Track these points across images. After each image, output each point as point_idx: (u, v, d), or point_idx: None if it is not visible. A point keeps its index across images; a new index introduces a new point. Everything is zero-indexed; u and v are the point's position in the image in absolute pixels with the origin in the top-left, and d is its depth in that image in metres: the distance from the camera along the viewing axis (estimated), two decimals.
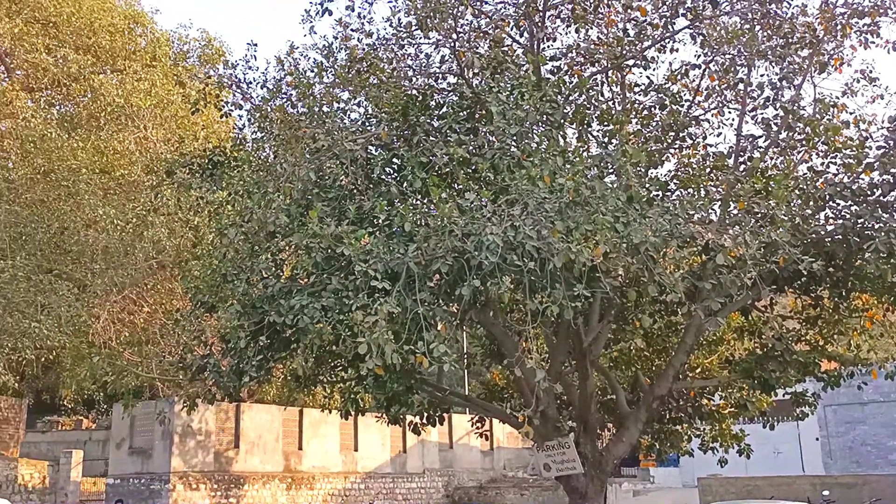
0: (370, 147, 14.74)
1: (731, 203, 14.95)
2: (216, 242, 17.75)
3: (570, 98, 15.05)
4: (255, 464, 25.41)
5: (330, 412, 19.39)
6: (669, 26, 15.95)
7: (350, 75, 15.65)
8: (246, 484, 24.85)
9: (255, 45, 17.75)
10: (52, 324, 25.91)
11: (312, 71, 16.41)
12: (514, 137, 13.40)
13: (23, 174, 28.37)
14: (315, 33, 20.59)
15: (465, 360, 20.99)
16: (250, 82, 17.73)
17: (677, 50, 16.39)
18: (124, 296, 26.73)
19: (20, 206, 27.61)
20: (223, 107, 18.71)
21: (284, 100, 16.74)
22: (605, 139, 15.37)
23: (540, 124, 14.13)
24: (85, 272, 26.60)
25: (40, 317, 25.94)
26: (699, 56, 16.40)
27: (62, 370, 27.80)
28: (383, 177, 14.56)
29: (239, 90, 17.92)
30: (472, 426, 20.17)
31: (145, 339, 24.80)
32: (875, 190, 13.96)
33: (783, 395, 18.11)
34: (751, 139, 16.07)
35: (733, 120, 16.54)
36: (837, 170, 15.05)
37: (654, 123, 16.28)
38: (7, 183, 29.10)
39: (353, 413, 17.29)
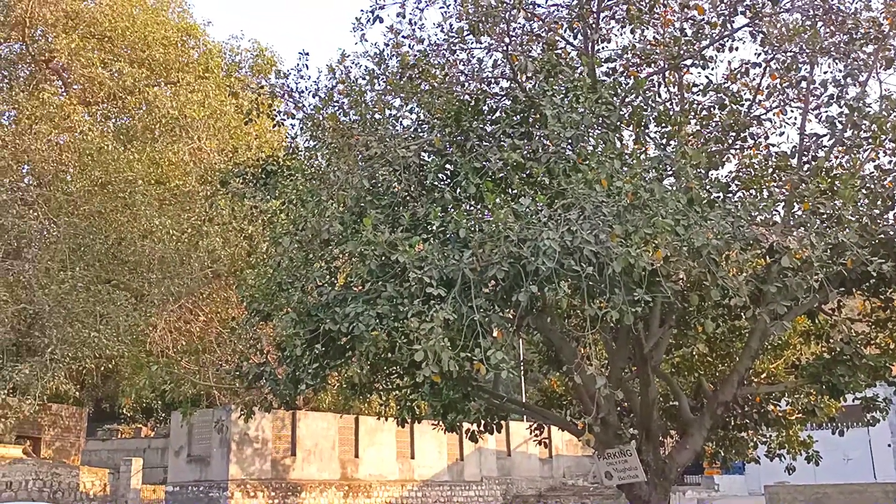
0: (423, 153, 14.61)
1: (795, 204, 14.56)
2: (271, 251, 17.79)
3: (627, 100, 14.78)
4: (311, 471, 25.40)
5: (386, 420, 19.28)
6: (728, 25, 15.58)
7: (402, 82, 15.58)
8: (303, 492, 24.85)
9: (307, 54, 17.87)
10: (111, 333, 26.25)
11: (364, 78, 16.39)
12: (570, 141, 13.19)
13: (81, 186, 28.83)
14: (366, 41, 20.66)
15: (523, 367, 20.74)
16: (302, 91, 17.77)
17: (736, 49, 15.98)
18: (181, 305, 26.98)
19: (79, 218, 28.06)
20: (276, 116, 18.80)
21: (336, 108, 16.72)
22: (664, 141, 15.06)
23: (596, 127, 13.88)
24: (142, 282, 26.91)
25: (99, 326, 26.31)
26: (759, 54, 16.00)
27: (121, 379, 28.19)
28: (437, 183, 14.42)
29: (291, 99, 17.96)
30: (530, 434, 19.91)
31: (202, 347, 24.99)
32: None
33: (853, 401, 17.55)
34: (815, 138, 15.65)
35: (796, 119, 16.14)
36: None
37: (713, 124, 15.93)
38: (66, 195, 29.60)
39: (409, 421, 17.18)
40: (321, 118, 16.87)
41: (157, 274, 26.11)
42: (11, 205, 29.06)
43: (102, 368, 29.80)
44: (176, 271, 26.05)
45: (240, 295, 20.99)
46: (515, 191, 13.33)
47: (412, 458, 28.86)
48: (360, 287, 14.21)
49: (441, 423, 17.16)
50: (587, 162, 12.62)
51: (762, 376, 19.37)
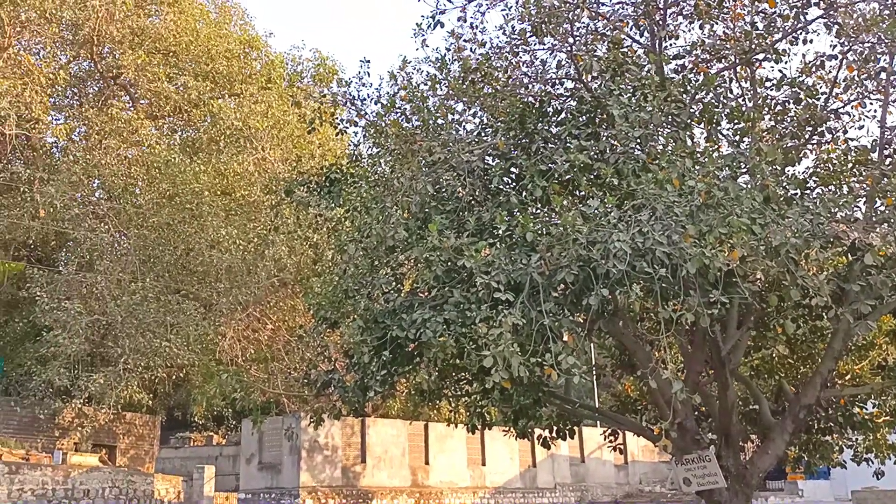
0: (487, 157, 14.44)
1: (877, 199, 14.01)
2: (336, 259, 17.82)
3: (697, 97, 14.39)
4: (382, 478, 25.36)
5: (456, 426, 19.16)
6: (801, 17, 15.05)
7: (464, 86, 15.41)
8: (374, 499, 24.82)
9: (368, 61, 17.75)
10: (181, 342, 26.66)
11: (426, 84, 16.26)
12: (639, 140, 12.88)
13: (149, 199, 29.37)
14: (427, 46, 20.56)
15: (595, 372, 20.38)
16: (364, 99, 17.72)
17: (811, 41, 15.47)
18: (248, 313, 27.27)
19: (148, 230, 28.59)
20: (338, 124, 18.79)
21: (399, 114, 16.63)
22: (737, 138, 14.60)
23: (665, 126, 13.55)
24: (210, 291, 27.27)
25: (170, 336, 26.73)
26: (835, 46, 15.41)
27: (192, 387, 28.59)
28: (502, 187, 14.21)
29: (353, 107, 17.92)
30: (604, 439, 19.50)
31: (270, 355, 25.21)
32: None
33: None
34: None
35: (876, 111, 15.52)
36: None
37: (788, 119, 15.41)
38: (135, 208, 30.19)
39: (479, 427, 17.00)
40: (384, 125, 16.81)
41: (224, 283, 26.43)
42: (83, 218, 29.76)
43: (174, 377, 30.27)
44: (243, 280, 26.35)
45: (306, 303, 21.07)
46: (583, 193, 13.09)
47: (483, 464, 28.59)
48: (427, 293, 14.08)
49: (512, 429, 16.95)
50: (657, 161, 12.31)
51: (846, 378, 18.69)
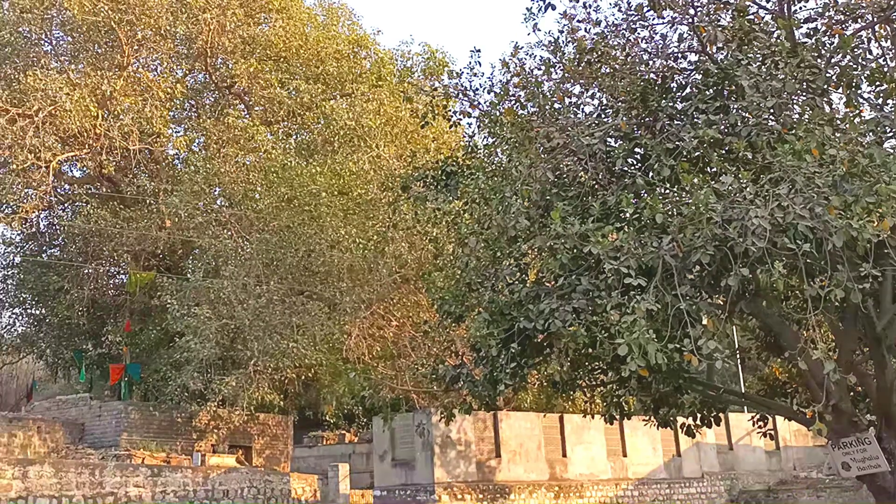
0: (609, 139, 14.01)
1: None
2: (457, 252, 17.67)
3: (833, 61, 13.58)
4: (518, 473, 25.10)
5: (592, 417, 18.76)
6: None
7: (580, 68, 15.03)
8: (511, 493, 24.61)
9: (479, 51, 17.58)
10: (308, 343, 27.11)
11: (540, 69, 15.94)
12: (772, 110, 12.28)
13: (268, 203, 29.97)
14: (539, 30, 20.17)
15: (739, 356, 19.57)
16: (476, 89, 17.53)
17: None
18: (372, 311, 27.51)
19: (269, 234, 29.19)
20: (451, 117, 18.70)
21: (513, 102, 16.36)
22: (879, 101, 13.74)
23: (800, 93, 12.87)
24: (333, 291, 27.63)
25: (297, 337, 27.22)
26: None
27: (321, 387, 29.08)
28: (626, 169, 13.78)
29: (466, 98, 17.76)
30: (753, 425, 18.69)
31: (396, 352, 25.38)
32: None
33: None
34: None
35: None
36: None
37: None
38: (256, 213, 30.88)
39: (617, 417, 16.59)
40: (498, 114, 16.59)
41: (347, 282, 26.73)
42: (207, 226, 30.64)
43: (303, 377, 30.85)
44: (365, 279, 26.58)
45: (430, 298, 21.05)
46: (714, 169, 12.54)
47: (624, 455, 27.93)
48: (553, 282, 13.80)
49: (653, 418, 16.49)
50: (794, 131, 11.70)
51: None
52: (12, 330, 40.27)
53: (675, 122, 13.14)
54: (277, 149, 31.85)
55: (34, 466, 24.00)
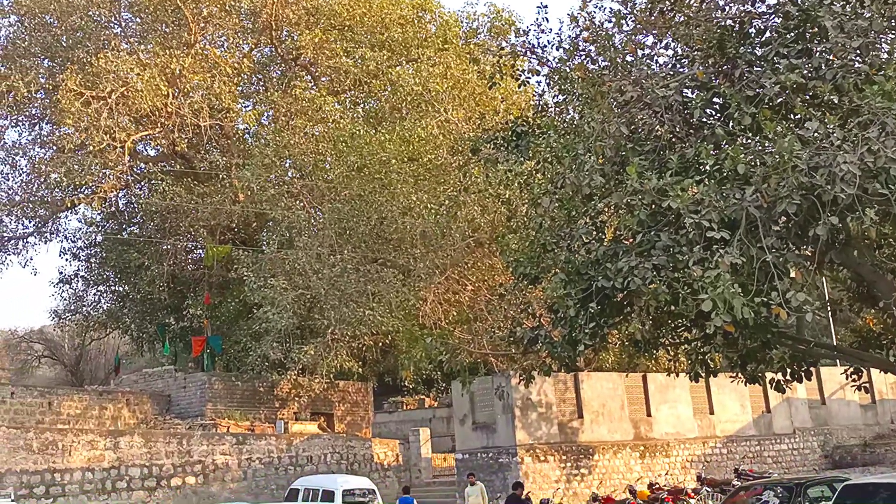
0: (685, 90, 13.55)
1: None
2: (530, 213, 17.46)
3: None
4: (602, 433, 24.93)
5: (677, 375, 18.39)
6: None
7: (653, 17, 14.57)
8: (595, 454, 24.46)
9: (545, 7, 17.19)
10: (384, 310, 27.24)
11: (610, 21, 15.51)
12: (858, 51, 11.75)
13: (339, 173, 30.08)
14: None
15: (830, 308, 18.91)
16: (545, 46, 17.19)
17: None
18: (447, 276, 27.45)
19: (341, 203, 29.31)
20: (520, 76, 18.38)
21: (583, 57, 16.01)
22: None
23: (888, 31, 12.24)
24: (407, 258, 27.66)
25: (372, 304, 27.37)
26: None
27: (399, 353, 29.23)
28: (705, 120, 13.36)
29: (534, 56, 17.45)
30: (846, 379, 18.11)
31: (473, 316, 25.31)
32: None
33: None
34: None
35: None
36: None
37: None
38: (326, 183, 31.04)
39: (703, 375, 16.24)
40: (568, 70, 16.24)
41: (420, 248, 26.71)
42: (279, 198, 30.94)
43: (381, 344, 31.07)
44: (438, 244, 26.51)
45: (504, 261, 20.87)
46: (798, 116, 12.04)
47: (711, 413, 27.48)
48: (631, 240, 13.50)
49: (740, 375, 16.12)
50: (882, 72, 11.20)
51: None
52: (98, 307, 41.50)
53: (755, 69, 12.64)
54: (345, 118, 31.89)
55: (125, 437, 24.76)
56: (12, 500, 18.63)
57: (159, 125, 33.69)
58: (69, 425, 27.59)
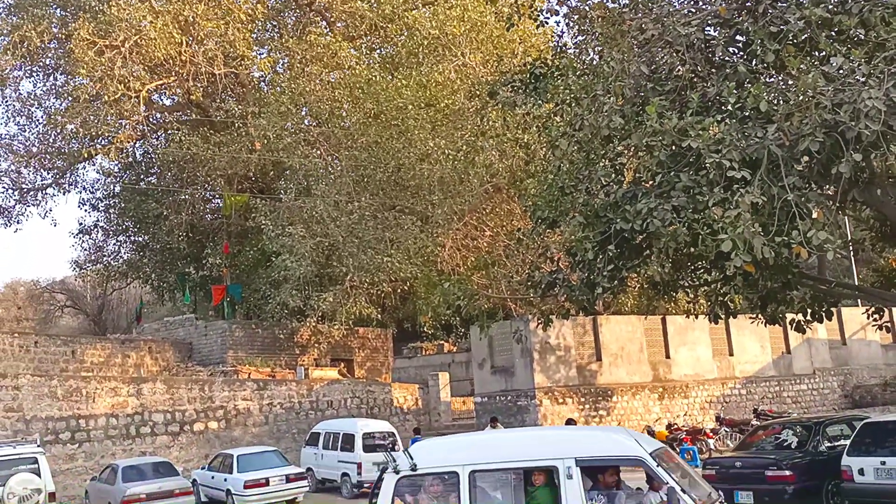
0: (707, 28, 13.30)
1: None
2: (549, 156, 17.30)
3: None
4: (620, 375, 25.02)
5: (696, 318, 18.34)
6: None
7: None
8: (614, 395, 24.59)
9: None
10: (402, 256, 27.26)
11: None
12: None
13: (356, 120, 29.91)
14: None
15: (852, 247, 18.67)
16: None
17: None
18: (465, 222, 27.37)
19: (358, 151, 29.19)
20: (538, 17, 18.11)
21: None
22: None
23: None
24: (425, 204, 27.56)
25: (390, 251, 27.39)
26: None
27: (417, 298, 29.32)
28: (727, 58, 13.09)
29: None
30: (867, 318, 18.01)
31: (491, 261, 25.23)
32: None
33: None
34: None
35: None
36: None
37: None
38: (343, 130, 30.87)
39: (722, 316, 16.18)
40: (587, 9, 15.95)
41: (438, 195, 26.59)
42: (296, 146, 30.83)
43: (399, 291, 31.15)
44: (456, 190, 26.38)
45: (522, 205, 20.81)
46: (823, 52, 11.79)
47: (730, 354, 27.48)
48: (651, 181, 13.36)
49: (760, 316, 16.05)
50: None
51: None
52: (118, 257, 41.84)
53: (779, 4, 12.36)
54: (361, 64, 31.59)
55: (147, 384, 25.10)
56: (38, 446, 18.89)
57: (174, 74, 33.53)
58: (93, 373, 27.95)
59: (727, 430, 23.91)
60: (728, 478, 13.95)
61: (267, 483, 20.44)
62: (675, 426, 24.27)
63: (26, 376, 23.24)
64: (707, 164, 11.32)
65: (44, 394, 22.80)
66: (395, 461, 7.97)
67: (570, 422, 17.13)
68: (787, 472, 13.21)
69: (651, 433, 23.65)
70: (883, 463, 12.19)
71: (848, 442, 13.13)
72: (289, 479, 20.84)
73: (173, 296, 42.00)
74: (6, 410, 22.05)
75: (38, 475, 17.95)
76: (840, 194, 11.51)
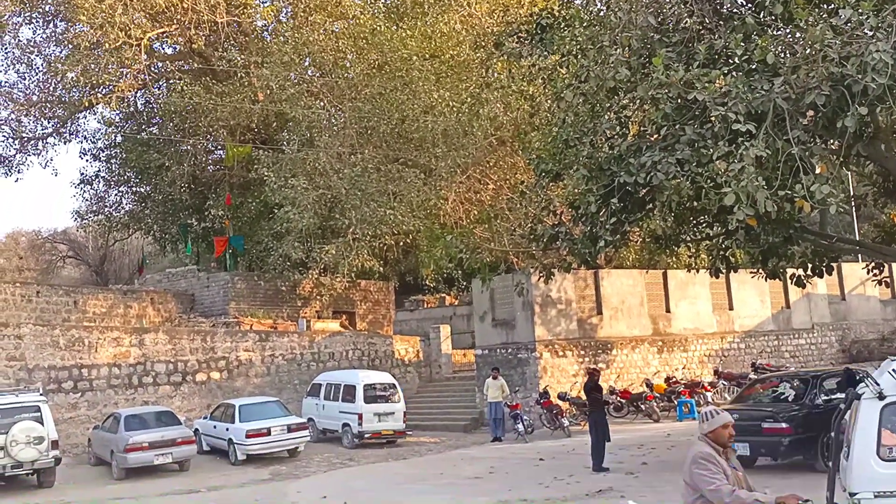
0: None
1: None
2: (554, 109, 17.23)
3: None
4: (620, 329, 25.11)
5: (697, 272, 18.38)
6: None
7: None
8: (613, 349, 24.73)
9: None
10: (405, 209, 27.25)
11: None
12: None
13: (360, 71, 29.69)
14: None
15: (854, 203, 18.61)
16: None
17: None
18: (468, 175, 27.33)
19: (361, 102, 29.02)
20: None
21: None
22: None
23: None
24: (428, 157, 27.49)
25: (393, 204, 27.38)
26: None
27: (419, 252, 29.33)
28: (735, 10, 12.99)
29: None
30: (867, 274, 18.03)
31: (493, 214, 25.22)
32: None
33: None
34: None
35: None
36: None
37: None
38: (347, 81, 30.66)
39: (723, 271, 16.23)
40: None
41: (441, 148, 26.50)
42: (299, 97, 30.61)
43: (402, 244, 31.17)
44: (460, 143, 26.29)
45: (526, 158, 20.72)
46: (832, 4, 11.68)
47: (730, 309, 27.56)
48: (656, 135, 13.33)
49: (761, 270, 16.08)
50: None
51: None
52: (120, 208, 41.75)
53: None
54: (366, 14, 31.25)
55: (150, 334, 25.25)
56: (41, 395, 19.09)
57: (175, 22, 33.21)
58: (95, 323, 28.09)
59: (725, 383, 24.11)
60: None
61: (268, 433, 20.69)
62: (674, 379, 24.45)
63: (28, 325, 23.37)
64: (712, 117, 11.29)
65: (46, 343, 22.95)
66: (876, 384, 6.57)
67: (592, 371, 17.18)
68: (784, 425, 13.34)
69: (650, 386, 23.87)
70: None
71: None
72: (290, 429, 21.09)
73: (175, 247, 42.02)
74: (9, 359, 22.20)
75: (41, 423, 18.20)
76: (844, 149, 11.48)
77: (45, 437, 18.03)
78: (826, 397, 13.91)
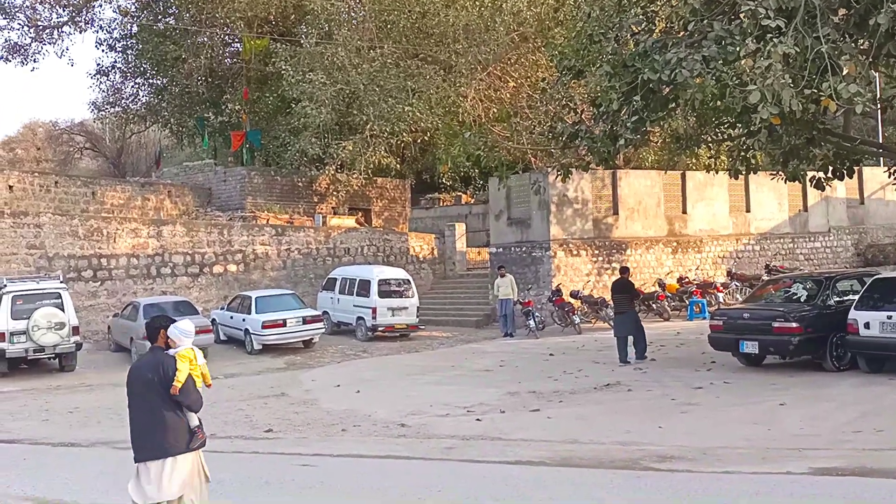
0: None
1: None
2: (580, 2, 16.91)
3: None
4: (636, 229, 25.06)
5: (717, 173, 18.25)
6: None
7: None
8: (628, 249, 24.74)
9: None
10: (424, 106, 27.05)
11: None
12: None
13: None
14: None
15: (879, 106, 18.20)
16: None
17: None
18: (489, 72, 26.99)
19: None
20: None
21: None
22: None
23: None
24: (449, 53, 27.12)
25: (412, 100, 27.17)
26: None
27: (437, 149, 29.19)
28: None
29: None
30: (889, 178, 17.77)
31: (513, 112, 24.99)
32: None
33: None
34: None
35: None
36: None
37: None
38: None
39: (743, 172, 16.13)
40: None
41: (462, 43, 26.12)
42: None
43: (419, 141, 31.03)
44: (481, 38, 25.88)
45: (548, 54, 20.45)
46: None
47: (747, 211, 27.39)
48: (683, 31, 13.10)
49: (781, 172, 15.97)
50: None
51: None
52: (136, 100, 41.55)
53: None
54: None
55: (167, 226, 25.49)
56: (61, 282, 19.44)
57: None
58: (113, 214, 28.33)
59: (737, 284, 24.24)
60: (735, 328, 14.27)
61: (284, 324, 21.08)
62: (686, 279, 24.59)
63: (47, 215, 23.61)
64: (742, 13, 11.07)
65: (65, 232, 23.21)
66: None
67: (623, 270, 17.31)
68: (794, 324, 13.46)
69: (662, 285, 24.04)
70: (889, 318, 12.41)
71: (856, 297, 13.33)
72: (305, 321, 21.47)
73: (192, 140, 41.95)
74: (29, 248, 22.51)
75: (62, 310, 18.59)
76: (874, 48, 11.27)
77: (66, 323, 18.43)
78: (838, 299, 14.02)
